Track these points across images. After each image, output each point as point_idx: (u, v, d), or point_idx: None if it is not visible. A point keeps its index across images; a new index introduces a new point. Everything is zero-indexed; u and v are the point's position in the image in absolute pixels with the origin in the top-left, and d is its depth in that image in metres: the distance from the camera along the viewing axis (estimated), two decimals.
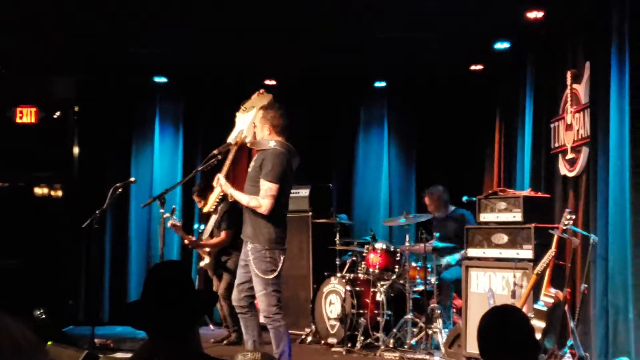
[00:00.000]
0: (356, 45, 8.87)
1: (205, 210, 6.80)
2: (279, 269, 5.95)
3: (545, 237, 6.50)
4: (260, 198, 5.89)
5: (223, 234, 8.58)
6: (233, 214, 8.44)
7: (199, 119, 10.64)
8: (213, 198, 6.43)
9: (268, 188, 5.87)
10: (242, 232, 6.13)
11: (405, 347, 7.87)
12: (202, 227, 9.31)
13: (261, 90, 6.59)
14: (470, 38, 8.51)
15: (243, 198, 6.00)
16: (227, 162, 6.31)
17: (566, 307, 6.15)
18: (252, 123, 6.29)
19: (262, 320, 6.14)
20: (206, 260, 8.80)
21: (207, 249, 8.73)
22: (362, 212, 10.71)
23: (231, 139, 6.43)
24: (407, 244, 8.19)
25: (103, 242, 10.32)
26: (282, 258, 5.97)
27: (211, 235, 8.75)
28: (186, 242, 8.77)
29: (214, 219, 8.75)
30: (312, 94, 10.47)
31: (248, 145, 6.46)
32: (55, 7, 7.66)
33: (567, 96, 7.32)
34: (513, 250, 6.95)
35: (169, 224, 8.32)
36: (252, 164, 6.18)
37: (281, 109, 6.15)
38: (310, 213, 9.14)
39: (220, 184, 6.16)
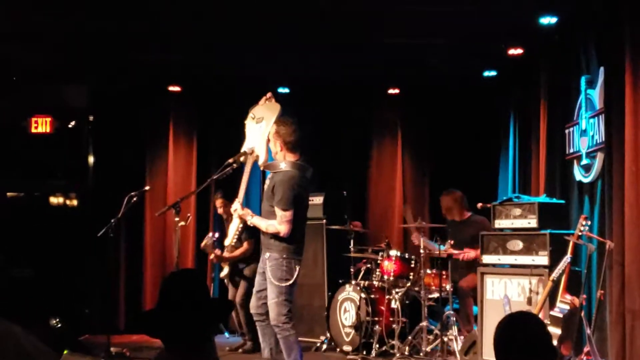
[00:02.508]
0: (369, 52, 8.88)
1: (226, 243, 6.76)
2: (293, 278, 6.00)
3: (560, 243, 6.47)
4: (277, 224, 5.98)
5: (246, 244, 8.58)
6: None
7: (213, 127, 10.66)
8: (233, 230, 6.43)
9: (283, 215, 5.96)
10: (261, 242, 6.18)
11: (421, 354, 7.84)
12: (216, 234, 9.31)
13: (268, 95, 6.58)
14: (483, 44, 8.50)
15: (262, 224, 6.10)
16: (243, 186, 6.32)
17: (582, 314, 6.13)
18: (264, 142, 6.30)
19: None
20: (225, 270, 8.80)
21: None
22: (376, 220, 10.70)
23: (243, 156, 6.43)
24: (421, 251, 8.17)
25: (118, 251, 10.33)
26: (297, 268, 6.03)
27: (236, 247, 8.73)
28: (212, 258, 8.77)
29: (233, 229, 8.59)
30: (325, 101, 10.48)
31: (261, 168, 6.48)
32: (69, 16, 7.70)
33: (581, 102, 7.30)
34: (528, 256, 6.92)
35: (201, 245, 8.49)
36: (267, 182, 6.24)
37: (294, 125, 6.17)
38: (325, 220, 9.12)
39: (239, 214, 6.23)
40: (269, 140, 6.25)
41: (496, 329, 2.96)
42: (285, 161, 6.11)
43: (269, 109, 6.45)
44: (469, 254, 8.19)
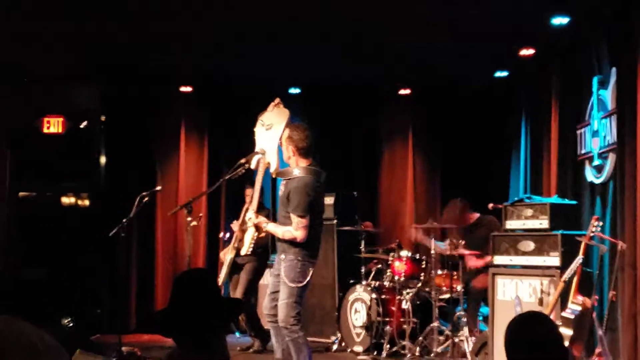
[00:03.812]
0: (380, 53, 8.88)
1: (243, 253, 6.68)
2: (306, 281, 6.02)
3: (572, 244, 6.45)
4: (294, 230, 5.99)
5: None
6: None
7: (224, 127, 10.67)
8: (248, 239, 6.40)
9: (299, 221, 5.97)
10: (277, 244, 6.20)
11: (432, 355, 7.84)
12: (227, 235, 9.30)
13: (276, 101, 6.53)
14: (495, 44, 8.49)
15: (278, 231, 6.11)
16: (256, 195, 6.31)
17: (594, 315, 6.11)
18: (275, 149, 6.29)
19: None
20: (230, 256, 8.40)
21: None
22: (387, 220, 10.69)
23: (253, 163, 6.40)
24: (432, 252, 8.16)
25: (130, 251, 10.36)
26: (311, 271, 6.05)
27: None
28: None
29: (248, 238, 8.17)
30: (337, 102, 10.49)
31: (273, 175, 6.46)
32: (81, 17, 7.74)
33: (593, 102, 7.28)
34: (540, 257, 6.90)
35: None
36: (281, 188, 6.24)
37: (307, 130, 6.16)
38: (335, 221, 9.13)
39: (254, 222, 6.24)
40: (280, 144, 6.24)
41: (506, 329, 2.95)
42: (298, 167, 6.10)
43: (278, 115, 6.42)
44: (477, 262, 8.17)
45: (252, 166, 6.39)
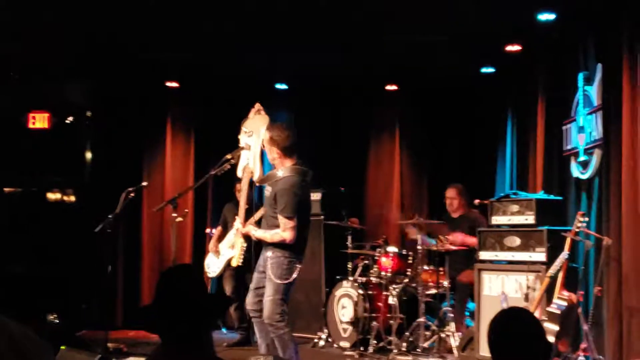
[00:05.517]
0: (367, 49, 8.87)
1: (234, 264, 6.63)
2: (292, 278, 6.01)
3: (558, 239, 6.48)
4: (282, 232, 5.97)
5: None
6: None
7: (211, 123, 10.64)
8: (238, 249, 6.38)
9: (286, 222, 5.95)
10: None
11: (418, 350, 7.85)
12: (214, 231, 9.29)
13: (257, 107, 6.49)
14: (481, 40, 8.50)
15: (266, 236, 6.08)
16: (242, 204, 6.30)
17: (579, 310, 6.14)
18: (258, 156, 6.28)
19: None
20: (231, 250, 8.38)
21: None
22: (374, 216, 10.70)
23: (239, 171, 6.40)
24: (418, 247, 8.17)
25: (116, 247, 10.30)
26: (297, 268, 6.04)
27: None
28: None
29: (237, 248, 8.05)
30: (324, 97, 10.49)
31: (257, 183, 6.44)
32: (69, 13, 7.70)
33: (579, 98, 7.31)
34: (526, 253, 6.93)
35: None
36: (267, 188, 6.22)
37: (288, 129, 6.13)
38: (322, 217, 9.12)
39: (242, 232, 6.23)
40: (263, 148, 6.22)
41: (489, 325, 2.96)
42: (283, 167, 6.08)
43: (259, 122, 6.38)
44: (456, 239, 8.18)
45: (239, 173, 6.37)
